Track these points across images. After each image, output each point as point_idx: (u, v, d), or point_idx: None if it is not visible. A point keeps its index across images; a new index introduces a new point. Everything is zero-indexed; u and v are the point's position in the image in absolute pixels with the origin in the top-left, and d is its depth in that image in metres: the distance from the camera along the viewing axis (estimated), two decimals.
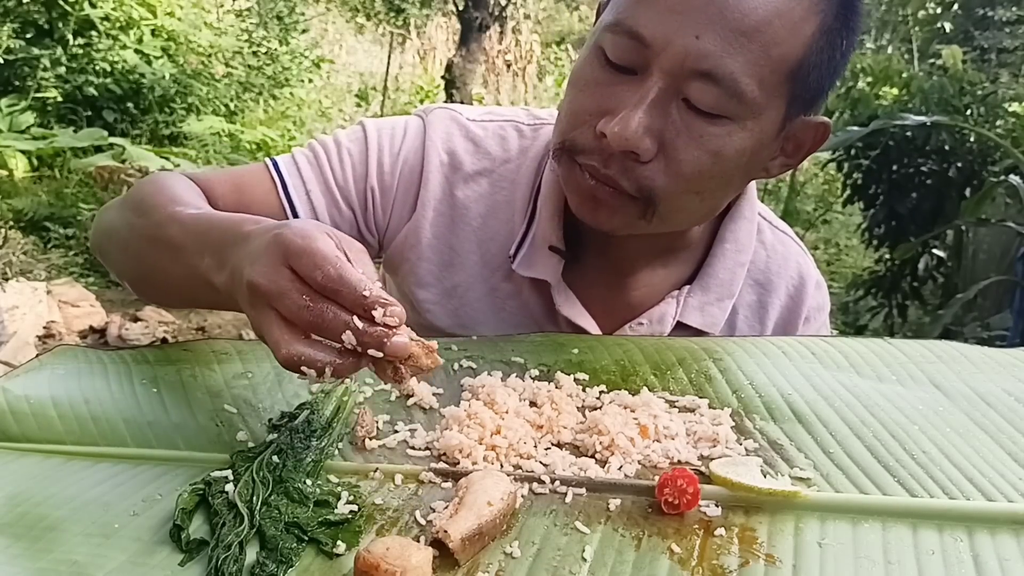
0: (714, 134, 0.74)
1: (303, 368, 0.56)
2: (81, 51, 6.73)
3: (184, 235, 0.72)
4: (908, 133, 4.75)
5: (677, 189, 0.77)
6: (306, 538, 0.53)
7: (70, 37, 6.69)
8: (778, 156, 0.82)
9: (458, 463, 0.61)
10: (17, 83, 6.58)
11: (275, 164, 0.91)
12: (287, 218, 0.88)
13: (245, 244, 0.63)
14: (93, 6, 6.78)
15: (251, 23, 8.07)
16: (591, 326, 0.90)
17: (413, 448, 0.64)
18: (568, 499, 0.58)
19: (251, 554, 0.52)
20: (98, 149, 6.34)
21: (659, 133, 0.74)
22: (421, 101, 9.71)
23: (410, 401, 0.70)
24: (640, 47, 0.72)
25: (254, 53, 7.86)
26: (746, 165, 0.79)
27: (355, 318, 0.56)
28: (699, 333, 0.91)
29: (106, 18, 6.89)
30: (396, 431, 0.66)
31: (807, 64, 0.74)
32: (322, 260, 0.57)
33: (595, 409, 0.68)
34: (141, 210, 0.81)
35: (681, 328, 0.91)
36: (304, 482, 0.58)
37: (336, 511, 0.56)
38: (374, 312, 0.56)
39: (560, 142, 0.80)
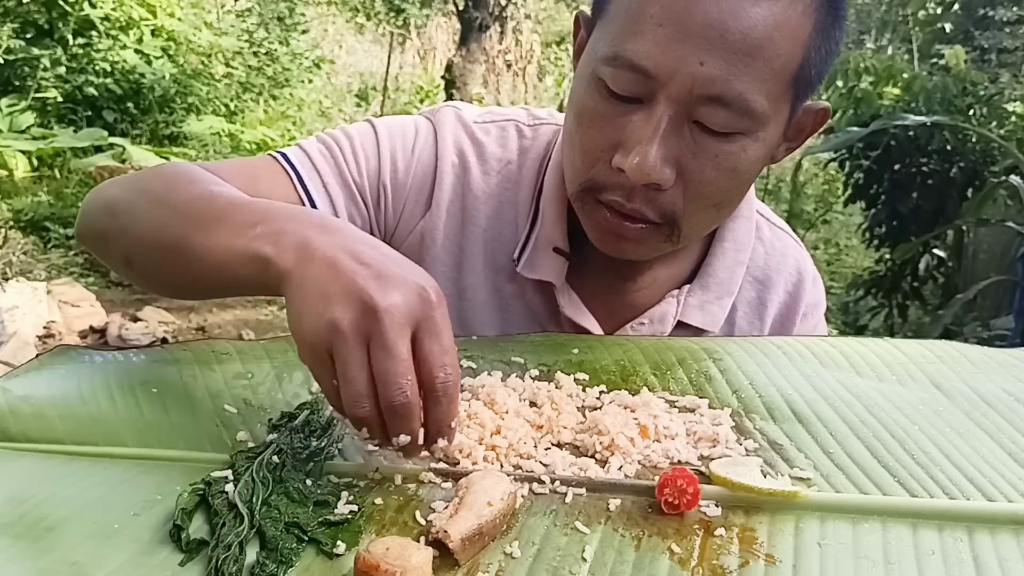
0: (729, 151, 0.74)
1: (355, 422, 0.56)
2: (81, 51, 6.74)
3: (229, 206, 0.68)
4: (910, 133, 4.75)
5: (698, 208, 0.78)
6: (306, 538, 0.53)
7: (70, 37, 6.70)
8: (781, 144, 0.83)
9: (458, 463, 0.61)
10: (17, 83, 6.59)
11: (285, 156, 0.89)
12: None
13: (335, 233, 0.60)
14: (93, 6, 6.79)
15: (251, 23, 8.08)
16: (594, 327, 0.90)
17: None
18: (568, 499, 0.58)
19: (251, 554, 0.52)
20: (98, 149, 6.34)
21: (675, 159, 0.74)
22: (421, 101, 9.71)
23: None
24: (644, 79, 0.71)
25: (254, 53, 7.87)
26: (759, 168, 0.80)
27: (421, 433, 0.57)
28: (699, 332, 0.91)
29: (106, 18, 6.90)
30: None
31: (808, 65, 0.74)
32: (451, 362, 0.56)
33: (595, 409, 0.68)
34: (172, 185, 0.75)
35: (682, 327, 0.91)
36: (304, 482, 0.58)
37: (336, 511, 0.56)
38: (440, 439, 0.58)
39: (581, 183, 0.79)
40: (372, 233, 0.90)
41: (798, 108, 0.78)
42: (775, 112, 0.74)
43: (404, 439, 0.56)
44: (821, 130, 0.88)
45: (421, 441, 0.57)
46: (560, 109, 0.99)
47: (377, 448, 0.60)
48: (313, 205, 0.86)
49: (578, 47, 0.85)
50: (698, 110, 0.72)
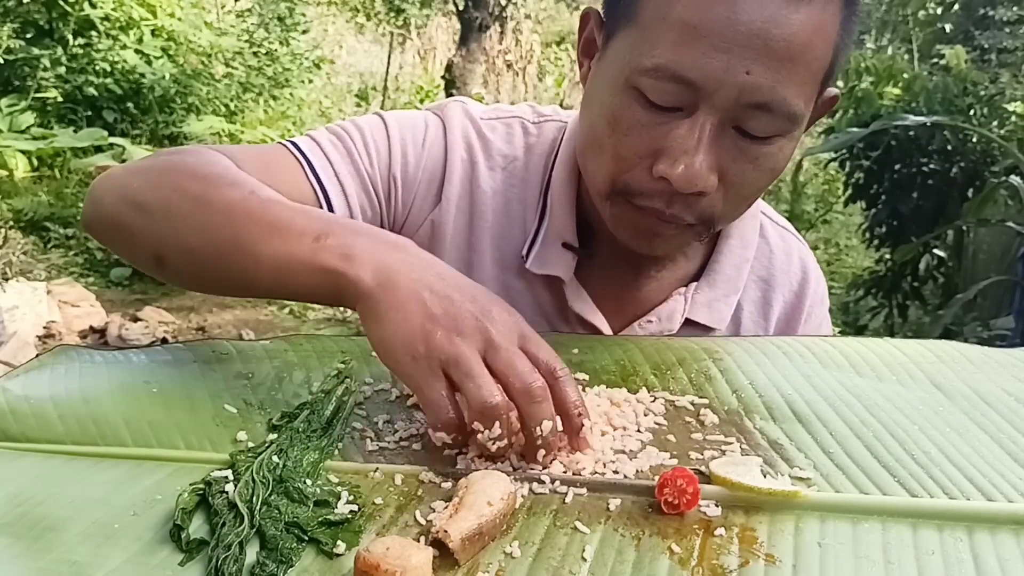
0: (768, 153, 0.75)
1: (485, 416, 0.58)
2: (81, 51, 6.74)
3: (284, 212, 0.69)
4: (910, 133, 4.75)
5: (734, 206, 0.80)
6: (306, 538, 0.53)
7: (70, 37, 6.70)
8: None
9: (458, 450, 0.62)
10: (17, 83, 6.59)
11: (295, 146, 0.88)
12: (319, 201, 0.85)
13: (404, 250, 0.66)
14: (93, 6, 6.79)
15: (251, 23, 8.08)
16: (602, 324, 0.90)
17: (413, 448, 0.64)
18: (568, 499, 0.58)
19: (251, 554, 0.52)
20: (98, 149, 6.35)
21: (717, 164, 0.74)
22: (421, 101, 9.71)
23: (409, 401, 0.70)
24: (687, 89, 0.71)
25: (254, 53, 7.87)
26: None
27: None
28: (706, 330, 0.92)
29: (106, 18, 6.90)
30: (396, 431, 0.66)
31: (835, 61, 0.75)
32: (562, 364, 0.61)
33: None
34: (210, 183, 0.73)
35: (689, 325, 0.92)
36: (304, 482, 0.58)
37: (336, 511, 0.56)
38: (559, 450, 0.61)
39: (611, 185, 0.79)
40: (382, 225, 0.90)
41: (819, 100, 0.79)
42: (808, 110, 0.75)
43: (547, 426, 0.59)
44: (821, 130, 0.89)
45: (560, 428, 0.60)
46: (561, 107, 0.99)
47: (499, 451, 0.60)
48: (326, 195, 0.85)
49: (585, 44, 0.83)
50: (741, 116, 0.72)
